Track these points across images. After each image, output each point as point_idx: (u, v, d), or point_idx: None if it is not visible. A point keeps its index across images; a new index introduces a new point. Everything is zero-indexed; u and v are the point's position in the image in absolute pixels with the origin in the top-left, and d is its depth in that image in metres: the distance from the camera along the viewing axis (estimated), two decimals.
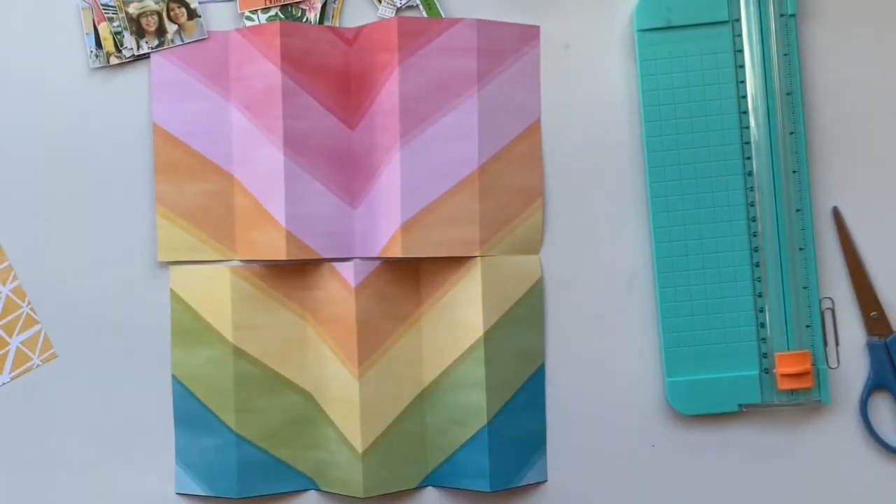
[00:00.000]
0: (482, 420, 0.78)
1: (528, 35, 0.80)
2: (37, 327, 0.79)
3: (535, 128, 0.80)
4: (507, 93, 0.80)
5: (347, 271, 0.78)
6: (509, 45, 0.80)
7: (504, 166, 0.80)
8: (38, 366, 0.79)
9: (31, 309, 0.79)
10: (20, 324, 0.79)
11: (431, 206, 0.78)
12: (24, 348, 0.79)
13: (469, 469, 0.79)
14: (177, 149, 0.79)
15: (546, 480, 0.80)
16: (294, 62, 0.78)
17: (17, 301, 0.79)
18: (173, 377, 0.79)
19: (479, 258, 0.78)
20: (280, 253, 0.77)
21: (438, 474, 0.80)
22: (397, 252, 0.77)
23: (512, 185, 0.80)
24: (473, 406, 0.78)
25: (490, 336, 0.78)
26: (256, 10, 0.79)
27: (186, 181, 0.79)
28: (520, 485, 0.79)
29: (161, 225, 0.79)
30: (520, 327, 0.79)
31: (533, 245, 0.80)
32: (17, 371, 0.79)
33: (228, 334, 0.79)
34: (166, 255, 0.79)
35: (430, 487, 0.81)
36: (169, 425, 0.79)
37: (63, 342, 0.80)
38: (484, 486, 0.78)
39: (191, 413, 0.79)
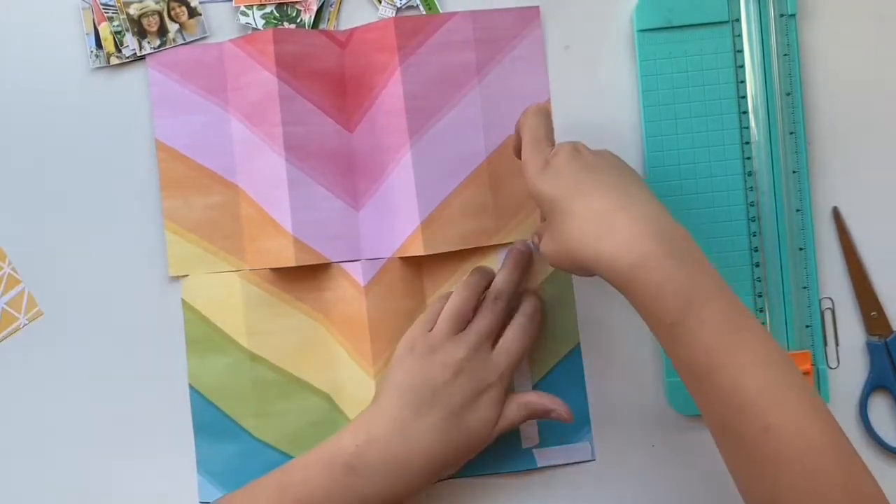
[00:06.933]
0: None
1: (526, 17, 0.80)
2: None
3: None
4: (510, 80, 0.80)
5: (356, 271, 0.78)
6: (508, 31, 0.80)
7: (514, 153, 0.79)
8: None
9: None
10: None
11: (446, 201, 0.78)
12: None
13: (500, 450, 0.78)
14: (180, 163, 0.79)
15: (594, 459, 0.80)
16: (289, 68, 0.77)
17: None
18: (190, 387, 0.79)
19: (491, 246, 0.79)
20: (289, 260, 0.77)
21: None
22: (419, 250, 0.77)
23: None
24: None
25: None
26: (252, 6, 0.79)
27: (192, 195, 0.79)
28: (560, 463, 0.79)
29: (170, 240, 0.79)
30: (547, 308, 0.79)
31: None
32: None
33: (243, 340, 0.79)
34: (177, 270, 0.79)
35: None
36: (185, 434, 0.79)
37: (70, 350, 0.80)
38: (514, 466, 0.78)
39: (210, 421, 0.79)
